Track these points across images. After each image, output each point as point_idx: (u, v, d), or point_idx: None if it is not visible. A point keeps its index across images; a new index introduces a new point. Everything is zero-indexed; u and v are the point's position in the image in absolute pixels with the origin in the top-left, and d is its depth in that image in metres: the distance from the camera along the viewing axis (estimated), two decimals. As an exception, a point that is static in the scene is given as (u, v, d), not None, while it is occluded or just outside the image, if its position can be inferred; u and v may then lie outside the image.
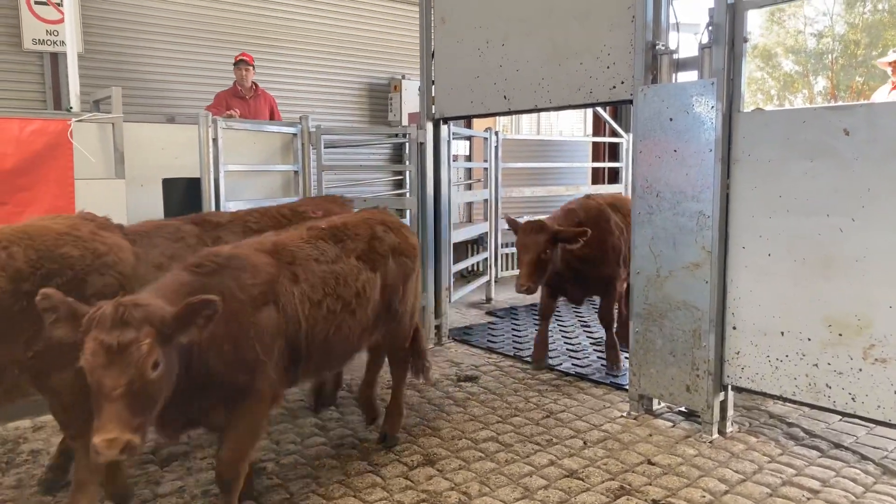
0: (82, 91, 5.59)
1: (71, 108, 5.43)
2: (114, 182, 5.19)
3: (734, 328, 4.09)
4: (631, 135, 5.89)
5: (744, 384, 4.08)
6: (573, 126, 11.75)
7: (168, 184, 5.62)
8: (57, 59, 7.13)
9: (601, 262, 5.33)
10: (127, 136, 5.26)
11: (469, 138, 8.87)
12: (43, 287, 2.47)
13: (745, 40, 3.99)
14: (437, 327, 6.38)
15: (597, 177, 10.73)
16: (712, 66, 4.03)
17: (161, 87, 7.89)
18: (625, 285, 5.52)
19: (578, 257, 5.11)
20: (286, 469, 3.69)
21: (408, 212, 7.98)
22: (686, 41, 4.31)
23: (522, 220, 5.37)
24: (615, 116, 10.08)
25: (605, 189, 10.08)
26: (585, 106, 5.32)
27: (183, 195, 5.54)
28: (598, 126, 10.83)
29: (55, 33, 7.03)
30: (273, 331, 2.92)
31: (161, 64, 7.90)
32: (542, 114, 10.86)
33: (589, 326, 6.89)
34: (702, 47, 4.11)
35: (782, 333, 3.89)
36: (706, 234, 4.08)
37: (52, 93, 7.19)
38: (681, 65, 4.36)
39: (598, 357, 5.76)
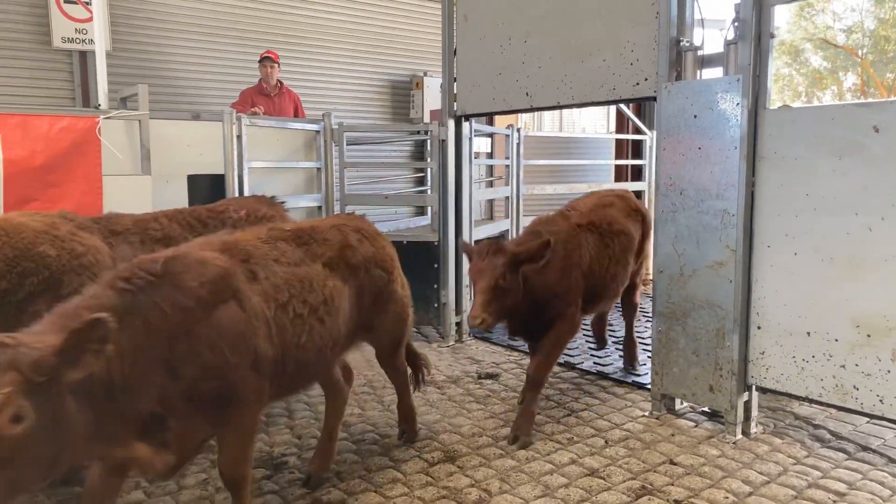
0: (110, 89, 5.68)
1: (99, 105, 5.52)
2: (140, 178, 5.27)
3: (759, 328, 4.04)
4: (654, 132, 5.86)
5: (769, 385, 4.03)
6: (596, 123, 11.67)
7: (193, 180, 5.70)
8: (85, 58, 7.25)
9: (558, 294, 4.26)
10: (153, 133, 5.34)
11: (491, 135, 8.86)
12: (19, 285, 2.45)
13: (772, 36, 3.93)
14: (458, 324, 6.39)
15: (620, 174, 10.64)
16: (738, 62, 3.98)
17: (187, 85, 7.99)
18: (577, 320, 4.49)
19: (540, 286, 4.11)
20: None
21: (429, 209, 8.02)
22: (711, 37, 4.27)
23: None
24: (639, 113, 9.99)
25: (629, 185, 10.01)
26: (608, 103, 5.29)
27: (208, 191, 5.61)
28: (622, 123, 10.74)
29: (84, 31, 7.15)
30: (240, 328, 2.59)
31: (187, 61, 8.00)
32: (565, 111, 10.80)
33: (611, 325, 6.84)
34: (727, 43, 4.06)
35: (809, 334, 3.83)
36: (731, 233, 4.04)
37: (81, 90, 7.32)
38: (705, 61, 4.31)
39: (621, 356, 5.72)
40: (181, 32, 7.95)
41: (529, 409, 4.16)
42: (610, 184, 10.19)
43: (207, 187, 5.68)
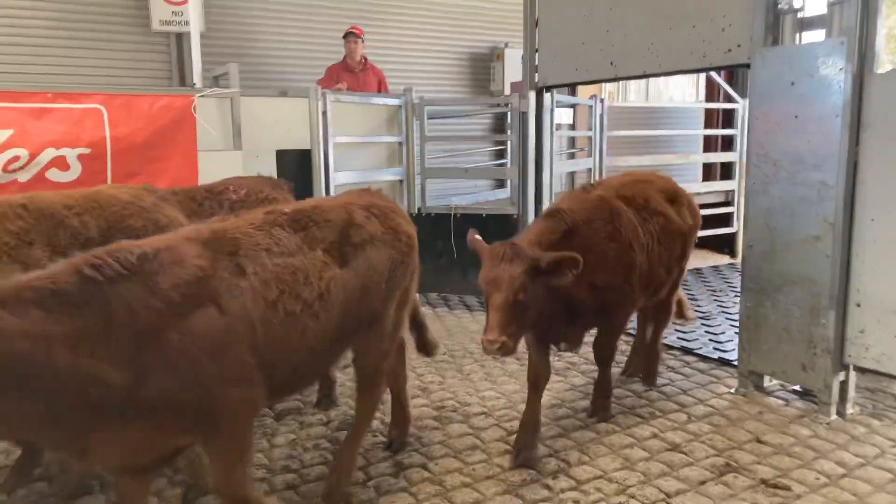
0: (203, 68, 5.96)
1: (194, 84, 5.80)
2: (232, 153, 5.52)
3: (858, 305, 3.83)
4: (747, 100, 5.56)
5: (867, 364, 3.83)
6: (684, 92, 11.20)
7: (281, 155, 5.90)
8: (181, 39, 7.59)
9: (605, 284, 3.64)
10: (243, 110, 5.57)
11: (573, 106, 8.69)
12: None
13: (882, -7, 3.66)
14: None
15: (709, 145, 10.23)
16: (843, 23, 3.74)
17: (275, 63, 8.22)
18: (631, 313, 4.13)
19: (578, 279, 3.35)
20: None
21: (508, 182, 7.99)
22: (813, -3, 4.02)
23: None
24: (730, 80, 9.53)
25: (718, 156, 9.60)
26: (698, 71, 5.10)
27: (296, 166, 5.81)
28: (712, 91, 10.28)
29: (180, 14, 7.46)
30: (219, 336, 2.35)
31: (275, 40, 8.23)
32: (651, 80, 10.43)
33: (696, 299, 6.66)
34: (831, 4, 3.83)
35: (913, 312, 3.61)
36: (828, 206, 3.83)
37: (178, 70, 7.68)
38: (805, 24, 4.08)
39: (707, 332, 5.57)
40: (269, 12, 8.17)
41: (604, 385, 4.05)
42: (699, 155, 9.85)
43: (295, 162, 5.88)
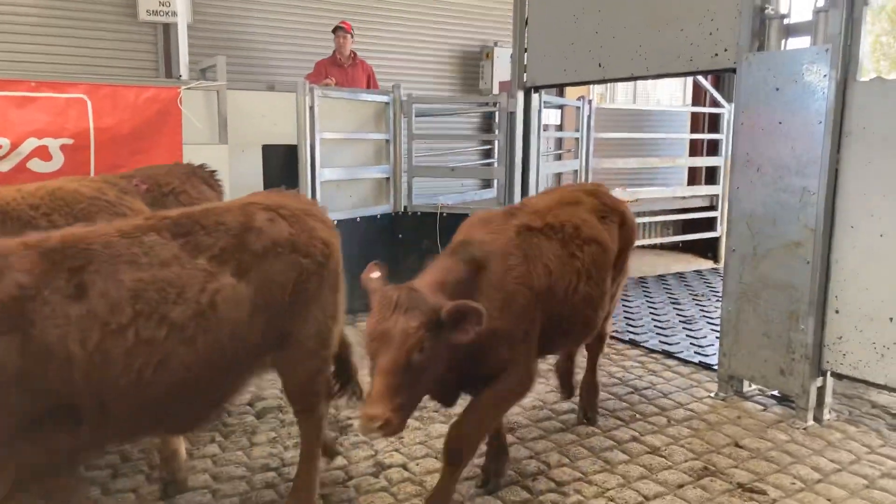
0: (190, 60, 5.89)
1: (180, 76, 5.74)
2: (217, 147, 5.47)
3: (836, 312, 3.87)
4: (733, 105, 5.63)
5: (845, 371, 3.88)
6: (672, 95, 11.27)
7: (268, 150, 5.86)
8: (168, 30, 7.51)
9: (498, 335, 2.80)
10: (230, 104, 5.52)
11: (561, 107, 8.71)
12: None
13: (866, 3, 3.69)
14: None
15: (695, 149, 10.29)
16: (827, 31, 3.77)
17: (263, 56, 8.17)
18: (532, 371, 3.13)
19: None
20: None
21: (495, 181, 7.99)
22: (798, 4, 4.06)
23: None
24: (717, 85, 9.60)
25: (704, 161, 9.65)
26: (685, 74, 5.12)
27: (282, 161, 5.77)
28: (699, 95, 10.34)
29: (167, 4, 7.39)
30: (6, 375, 1.96)
31: (263, 33, 8.17)
32: (639, 82, 10.48)
33: (679, 303, 6.70)
34: (816, 11, 3.86)
35: (891, 319, 3.65)
36: (810, 212, 3.87)
37: (164, 62, 7.61)
38: (791, 30, 4.10)
39: (688, 335, 5.61)
40: (258, 4, 8.11)
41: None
42: (684, 159, 9.90)
43: (282, 157, 5.84)
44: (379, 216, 6.52)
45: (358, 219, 6.23)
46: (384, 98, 6.66)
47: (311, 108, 5.66)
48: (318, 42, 8.16)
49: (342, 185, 6.26)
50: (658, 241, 9.25)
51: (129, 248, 2.28)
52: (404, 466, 3.42)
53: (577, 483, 3.29)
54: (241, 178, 5.43)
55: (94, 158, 4.90)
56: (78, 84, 4.91)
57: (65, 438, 2.13)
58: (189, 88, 5.30)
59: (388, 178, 6.73)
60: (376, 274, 2.69)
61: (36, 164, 4.68)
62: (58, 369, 2.04)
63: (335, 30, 7.59)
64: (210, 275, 2.37)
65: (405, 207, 6.72)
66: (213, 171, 4.24)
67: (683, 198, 9.24)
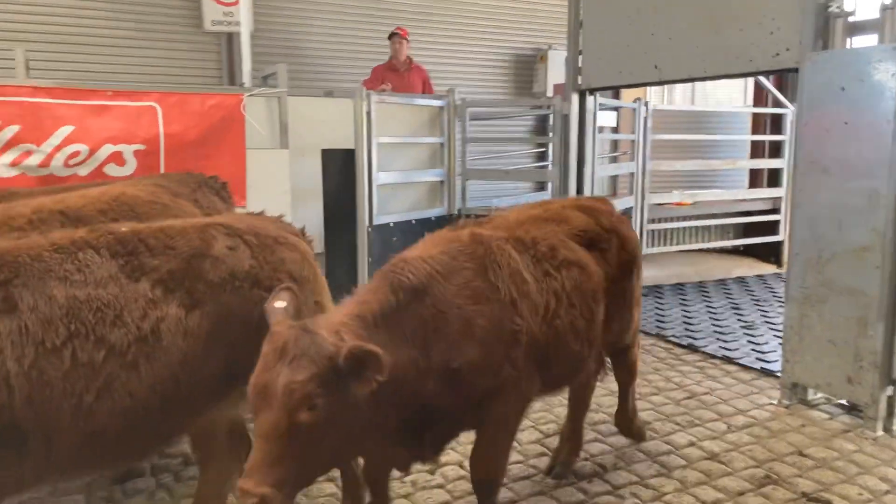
0: (253, 68, 6.09)
1: (243, 83, 5.95)
2: (279, 152, 5.64)
3: (908, 318, 3.74)
4: (796, 106, 5.45)
5: (916, 379, 3.74)
6: (731, 96, 10.99)
7: (326, 154, 6.01)
8: (231, 39, 7.79)
9: (471, 367, 2.38)
10: (291, 110, 5.69)
11: (617, 109, 8.63)
12: None
13: (940, -2, 3.56)
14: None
15: (757, 150, 10.01)
16: (895, 28, 3.65)
17: (322, 63, 8.37)
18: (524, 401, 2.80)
19: (434, 364, 2.32)
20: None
21: (549, 184, 7.97)
22: (862, 2, 3.93)
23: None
24: (780, 86, 9.32)
25: (766, 163, 9.39)
26: (744, 75, 5.03)
27: (340, 165, 5.91)
28: (760, 96, 10.06)
29: (231, 14, 7.66)
30: None
31: (323, 40, 8.37)
32: (698, 84, 10.27)
33: (739, 308, 6.55)
34: (884, 8, 3.73)
35: (966, 327, 3.51)
36: (879, 215, 3.74)
37: (228, 69, 7.89)
38: (857, 28, 3.99)
39: (749, 341, 5.48)
40: (317, 13, 8.32)
41: None
42: (745, 161, 9.64)
43: (339, 161, 5.98)
44: (434, 218, 6.59)
45: (413, 221, 6.32)
46: (439, 102, 6.74)
47: (368, 113, 5.78)
48: (375, 48, 8.31)
49: (398, 188, 6.37)
50: (718, 244, 9.03)
51: (61, 264, 2.12)
52: (460, 464, 3.46)
53: (634, 486, 3.28)
54: (301, 181, 5.60)
55: (164, 163, 5.14)
56: (150, 93, 5.15)
57: (9, 464, 1.96)
58: (252, 95, 5.49)
59: (442, 182, 6.80)
60: (281, 303, 2.17)
61: (111, 169, 4.93)
62: None
63: (391, 36, 7.73)
64: (151, 302, 2.19)
65: (459, 210, 6.78)
66: (225, 183, 4.17)
67: (744, 200, 9.01)
